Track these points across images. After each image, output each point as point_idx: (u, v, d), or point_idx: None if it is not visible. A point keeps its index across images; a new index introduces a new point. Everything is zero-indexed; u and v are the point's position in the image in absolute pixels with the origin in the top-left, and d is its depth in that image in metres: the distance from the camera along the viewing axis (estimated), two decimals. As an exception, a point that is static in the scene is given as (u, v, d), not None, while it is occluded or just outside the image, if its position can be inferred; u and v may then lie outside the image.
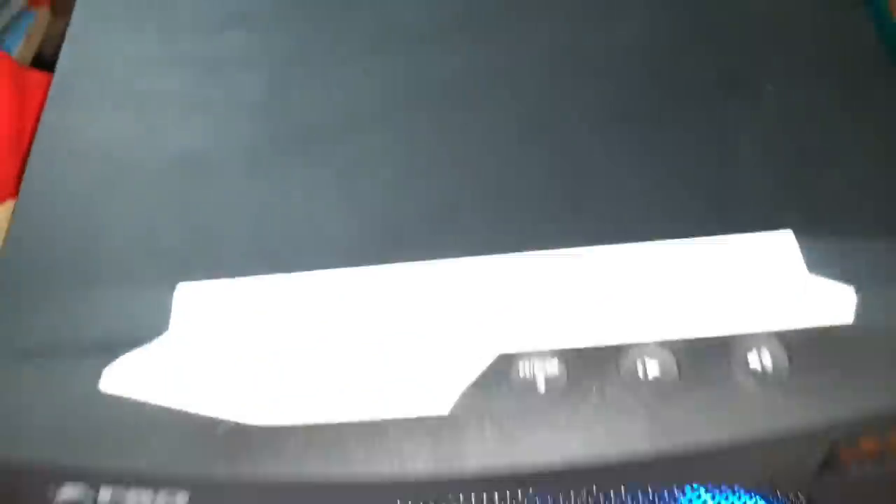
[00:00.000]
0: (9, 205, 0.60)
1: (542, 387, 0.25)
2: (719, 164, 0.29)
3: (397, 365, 0.24)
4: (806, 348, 0.25)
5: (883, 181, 0.28)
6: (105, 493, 0.26)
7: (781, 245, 0.26)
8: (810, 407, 0.24)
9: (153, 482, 0.25)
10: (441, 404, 0.23)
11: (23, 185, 0.31)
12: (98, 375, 0.26)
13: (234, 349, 0.25)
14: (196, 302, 0.26)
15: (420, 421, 0.23)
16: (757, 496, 0.31)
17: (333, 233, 0.28)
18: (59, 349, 0.26)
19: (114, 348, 0.26)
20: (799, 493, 0.30)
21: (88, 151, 0.32)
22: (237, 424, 0.23)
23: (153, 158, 0.31)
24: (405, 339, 0.25)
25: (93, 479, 0.25)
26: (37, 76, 0.63)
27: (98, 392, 0.25)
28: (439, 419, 0.24)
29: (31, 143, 0.33)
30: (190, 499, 0.26)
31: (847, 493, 0.28)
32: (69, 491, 0.26)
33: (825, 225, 0.27)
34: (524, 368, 0.25)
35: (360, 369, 0.24)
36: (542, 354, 0.25)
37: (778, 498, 0.30)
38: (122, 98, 0.34)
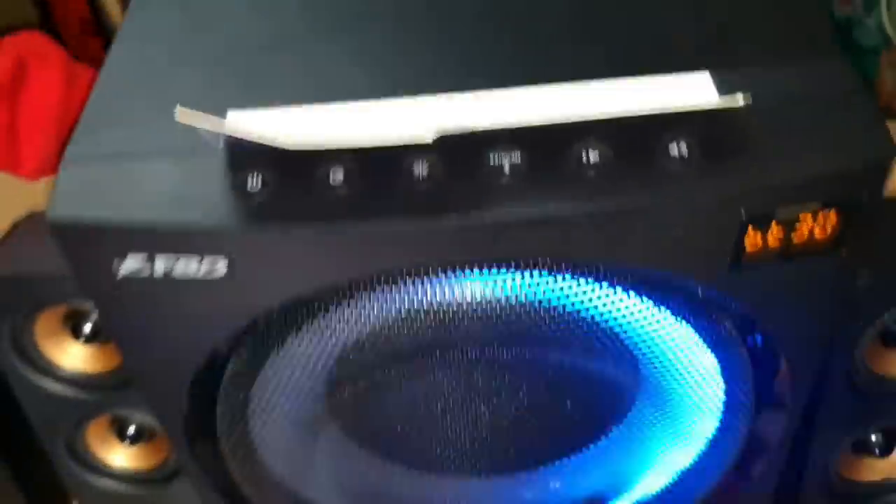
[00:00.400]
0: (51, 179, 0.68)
1: (507, 170, 0.31)
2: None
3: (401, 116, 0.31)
4: (716, 140, 0.31)
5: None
6: (159, 264, 0.32)
7: (698, 78, 0.33)
8: (720, 181, 0.31)
9: (199, 248, 0.32)
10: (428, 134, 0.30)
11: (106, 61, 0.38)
12: (161, 172, 0.32)
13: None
14: (244, 118, 0.33)
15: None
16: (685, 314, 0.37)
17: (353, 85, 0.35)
18: (133, 155, 0.33)
19: (175, 154, 0.33)
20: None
21: (160, 39, 0.39)
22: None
23: (210, 42, 0.39)
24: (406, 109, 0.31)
25: (150, 247, 0.32)
26: (84, 70, 0.72)
27: (159, 178, 0.32)
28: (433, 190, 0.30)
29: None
30: (229, 263, 0.32)
31: (757, 286, 0.34)
32: (129, 263, 0.32)
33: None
34: (494, 158, 0.32)
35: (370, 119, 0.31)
36: (508, 146, 0.31)
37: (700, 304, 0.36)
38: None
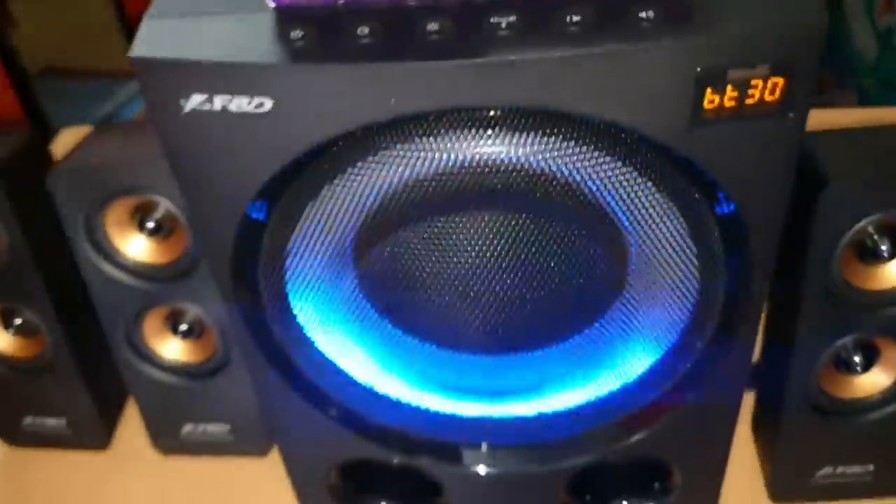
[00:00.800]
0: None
1: (504, 27, 0.38)
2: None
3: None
4: (677, 9, 0.38)
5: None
6: (217, 100, 0.40)
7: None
8: (678, 35, 0.37)
9: (250, 85, 0.39)
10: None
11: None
12: (223, 25, 0.40)
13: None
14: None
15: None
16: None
17: None
18: (200, 13, 0.41)
19: (234, 12, 0.40)
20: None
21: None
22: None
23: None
24: None
25: (209, 84, 0.39)
26: None
27: (221, 30, 0.40)
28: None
29: None
30: (273, 105, 0.39)
31: (716, 147, 0.40)
32: (194, 99, 0.40)
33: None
34: (494, 19, 0.38)
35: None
36: (506, 11, 0.38)
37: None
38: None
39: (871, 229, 0.54)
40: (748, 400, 0.72)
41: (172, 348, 0.68)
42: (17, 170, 0.61)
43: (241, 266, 0.47)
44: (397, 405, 0.56)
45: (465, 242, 0.46)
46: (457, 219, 0.45)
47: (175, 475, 0.74)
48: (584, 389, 0.54)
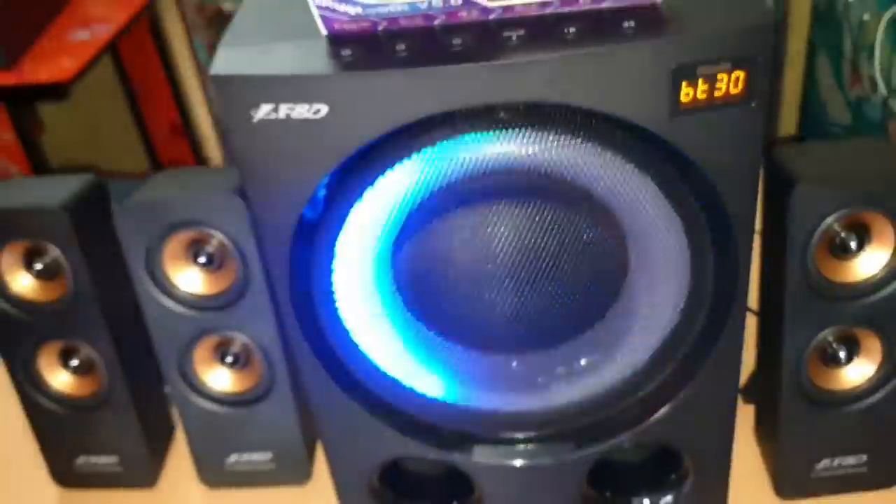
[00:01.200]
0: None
1: (514, 39, 0.47)
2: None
3: None
4: (653, 21, 0.47)
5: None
6: (282, 108, 0.48)
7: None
8: (656, 38, 0.46)
9: (309, 94, 0.48)
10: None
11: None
12: (285, 49, 0.49)
13: None
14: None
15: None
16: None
17: None
18: (265, 40, 0.50)
19: (292, 39, 0.50)
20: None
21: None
22: None
23: None
24: None
25: (275, 96, 0.48)
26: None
27: (284, 52, 0.49)
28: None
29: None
30: (328, 110, 0.48)
31: (694, 133, 0.49)
32: (263, 109, 0.49)
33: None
34: (507, 32, 0.48)
35: None
36: (516, 27, 0.48)
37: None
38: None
39: (837, 227, 0.62)
40: (749, 411, 0.78)
41: (220, 378, 0.75)
42: (82, 209, 0.69)
43: (295, 265, 0.55)
44: (432, 401, 0.62)
45: (487, 232, 0.54)
46: (479, 209, 0.53)
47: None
48: (603, 376, 0.61)
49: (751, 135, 0.50)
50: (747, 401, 0.79)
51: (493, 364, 0.62)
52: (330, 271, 0.55)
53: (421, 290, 0.58)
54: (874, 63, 1.56)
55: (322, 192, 0.52)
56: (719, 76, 0.48)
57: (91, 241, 0.70)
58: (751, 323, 0.72)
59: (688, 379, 0.60)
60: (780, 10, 2.43)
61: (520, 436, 0.63)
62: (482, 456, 0.63)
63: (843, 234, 0.63)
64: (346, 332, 0.58)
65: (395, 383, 0.61)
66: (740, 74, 0.48)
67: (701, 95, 0.48)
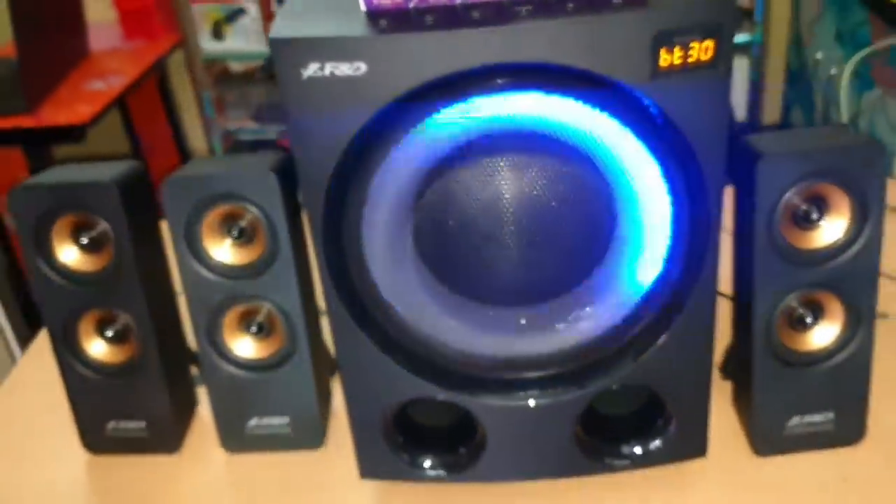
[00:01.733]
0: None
1: (523, 12, 0.57)
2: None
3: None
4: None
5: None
6: (328, 67, 0.58)
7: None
8: (639, 11, 0.56)
9: (351, 54, 0.57)
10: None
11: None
12: (331, 19, 0.59)
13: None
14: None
15: None
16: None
17: None
18: (314, 13, 0.60)
19: (336, 11, 0.59)
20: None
21: None
22: None
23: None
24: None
25: (321, 55, 0.57)
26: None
27: (330, 21, 0.58)
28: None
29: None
30: (367, 68, 0.57)
31: (672, 93, 0.58)
32: (311, 67, 0.58)
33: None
34: (517, 6, 0.57)
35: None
36: (526, 2, 0.57)
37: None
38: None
39: (798, 199, 0.71)
40: (728, 387, 0.86)
41: (245, 346, 0.82)
42: (129, 186, 0.77)
43: (330, 212, 0.63)
44: (443, 345, 0.69)
45: (493, 184, 0.63)
46: (491, 161, 0.62)
47: (241, 472, 0.85)
48: (595, 324, 0.69)
49: (719, 95, 0.59)
50: (725, 377, 0.87)
51: (498, 315, 0.70)
52: (360, 216, 0.63)
53: (435, 244, 0.66)
54: (841, 112, 1.69)
55: (358, 143, 0.61)
56: (692, 44, 0.58)
57: (135, 217, 0.78)
58: (727, 305, 0.81)
59: (667, 326, 0.68)
60: (757, 74, 2.59)
61: (521, 378, 0.70)
62: (486, 397, 0.71)
63: (804, 206, 0.72)
64: (368, 273, 0.66)
65: (411, 329, 0.69)
66: (710, 44, 0.58)
67: (677, 60, 0.58)
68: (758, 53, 2.59)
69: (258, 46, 2.53)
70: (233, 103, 2.68)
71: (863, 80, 1.66)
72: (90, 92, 2.09)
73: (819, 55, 1.97)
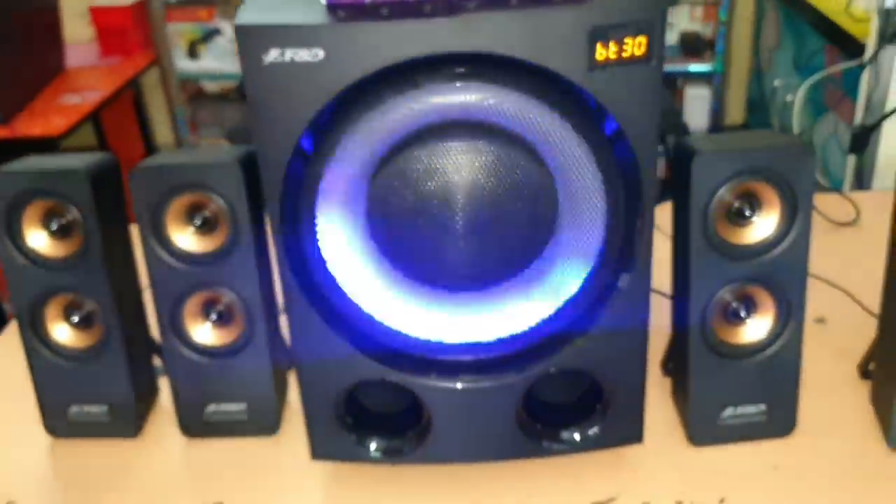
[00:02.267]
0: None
1: (473, 6, 0.62)
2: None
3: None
4: (577, -4, 0.62)
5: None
6: (287, 53, 0.62)
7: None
8: (577, 7, 0.61)
9: (309, 41, 0.61)
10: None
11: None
12: (294, 9, 0.63)
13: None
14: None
15: None
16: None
17: None
18: (277, 4, 0.64)
19: (300, 4, 0.63)
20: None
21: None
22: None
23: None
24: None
25: (281, 42, 0.61)
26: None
27: (292, 11, 0.63)
28: None
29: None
30: (324, 55, 0.61)
31: (607, 85, 0.63)
32: (272, 53, 0.62)
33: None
34: (466, 2, 0.62)
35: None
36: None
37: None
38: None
39: (730, 196, 0.76)
40: (668, 383, 0.90)
41: (205, 332, 0.85)
42: (99, 176, 0.81)
43: (287, 193, 0.67)
44: (390, 329, 0.73)
45: (445, 167, 0.67)
46: (434, 149, 0.66)
47: (199, 456, 0.87)
48: (533, 312, 0.73)
49: (651, 87, 0.64)
50: (666, 374, 0.91)
51: (442, 298, 0.73)
52: (315, 196, 0.67)
53: (384, 225, 0.70)
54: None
55: (315, 128, 0.65)
56: (626, 39, 0.63)
57: (105, 205, 0.81)
58: (669, 305, 0.85)
59: (602, 314, 0.72)
60: (718, 104, 2.67)
61: (462, 361, 0.74)
62: (429, 379, 0.74)
63: (737, 203, 0.76)
64: (320, 251, 0.69)
65: (361, 311, 0.72)
66: (643, 39, 0.62)
67: (612, 55, 0.63)
68: (719, 83, 2.68)
69: (233, 67, 2.57)
70: (206, 123, 2.71)
71: (816, 105, 1.73)
72: (65, 106, 2.12)
73: (777, 82, 2.05)
